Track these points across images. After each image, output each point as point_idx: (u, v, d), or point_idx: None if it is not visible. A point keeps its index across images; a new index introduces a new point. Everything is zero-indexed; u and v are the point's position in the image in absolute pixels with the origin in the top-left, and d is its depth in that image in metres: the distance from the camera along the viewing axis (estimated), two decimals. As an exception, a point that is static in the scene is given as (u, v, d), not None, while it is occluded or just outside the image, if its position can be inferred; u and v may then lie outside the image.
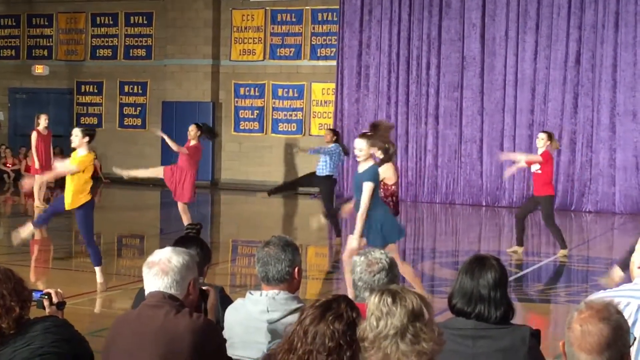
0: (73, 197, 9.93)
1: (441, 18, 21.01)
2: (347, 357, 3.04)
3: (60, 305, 4.27)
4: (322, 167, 14.26)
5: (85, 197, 9.97)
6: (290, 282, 4.35)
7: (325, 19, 22.86)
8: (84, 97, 25.73)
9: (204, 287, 4.18)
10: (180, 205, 13.76)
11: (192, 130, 14.02)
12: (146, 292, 3.89)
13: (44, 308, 4.21)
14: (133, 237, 15.33)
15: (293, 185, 15.97)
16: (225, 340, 3.99)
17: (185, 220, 13.50)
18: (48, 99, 25.53)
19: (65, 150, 25.17)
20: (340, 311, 3.09)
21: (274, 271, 4.32)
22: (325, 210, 14.18)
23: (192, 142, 13.97)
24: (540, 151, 13.10)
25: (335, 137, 14.54)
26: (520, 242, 13.26)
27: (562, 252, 12.98)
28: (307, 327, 3.08)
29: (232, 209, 14.65)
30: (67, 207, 10.03)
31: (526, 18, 20.26)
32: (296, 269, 4.35)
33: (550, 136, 13.23)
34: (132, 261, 13.10)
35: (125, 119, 25.29)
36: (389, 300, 2.93)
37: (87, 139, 10.09)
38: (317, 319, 3.08)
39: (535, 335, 3.98)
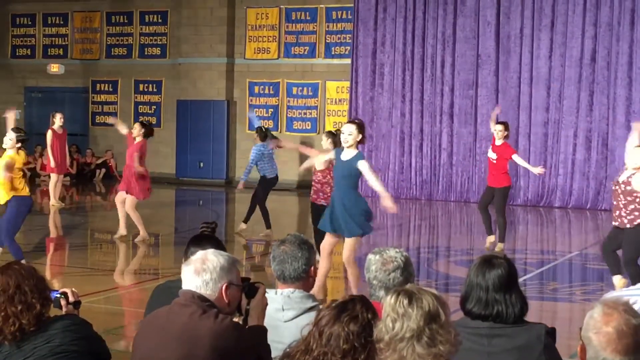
0: (4, 192, 10.39)
1: (456, 16, 20.97)
2: (362, 359, 3.02)
3: (77, 304, 4.29)
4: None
5: (19, 192, 10.45)
6: (306, 280, 4.34)
7: (339, 17, 22.85)
8: (99, 95, 25.81)
9: (255, 284, 4.06)
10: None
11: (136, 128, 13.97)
12: (181, 290, 3.88)
13: (60, 307, 4.23)
14: (148, 235, 15.35)
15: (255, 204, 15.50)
16: (262, 344, 3.88)
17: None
18: (63, 97, 25.62)
19: (81, 149, 25.31)
20: (355, 312, 3.07)
21: (291, 269, 4.31)
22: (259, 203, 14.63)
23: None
24: (499, 142, 13.17)
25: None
26: (490, 232, 13.25)
27: (499, 245, 12.89)
28: (322, 328, 3.07)
29: (246, 208, 14.66)
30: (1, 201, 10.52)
31: (541, 15, 20.19)
32: (312, 268, 4.34)
33: (507, 127, 13.35)
34: (147, 259, 13.14)
35: (141, 117, 25.29)
36: (405, 301, 2.91)
37: (19, 144, 10.56)
38: (333, 320, 3.06)
39: (551, 333, 3.97)
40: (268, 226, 14.47)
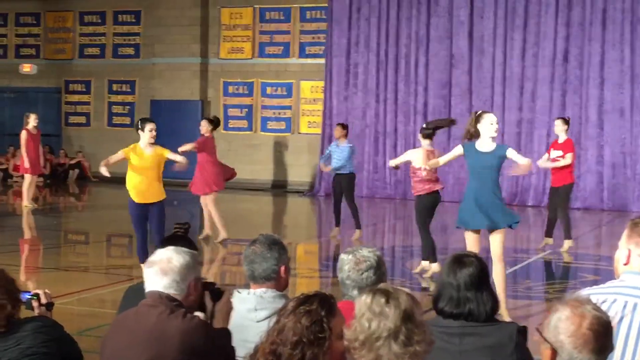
0: None
1: (429, 16, 21.05)
2: (310, 354, 3.03)
3: (49, 305, 4.27)
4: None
5: None
6: (277, 280, 4.36)
7: (313, 17, 22.86)
8: (72, 96, 25.68)
9: (219, 288, 4.09)
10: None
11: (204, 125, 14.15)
12: (146, 291, 3.87)
13: (32, 309, 4.21)
14: (122, 236, 15.29)
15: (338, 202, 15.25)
16: (228, 345, 3.90)
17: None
18: (36, 98, 25.46)
19: (54, 150, 25.17)
20: (311, 307, 3.08)
21: (260, 269, 4.33)
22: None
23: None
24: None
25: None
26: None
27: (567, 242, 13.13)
28: (279, 318, 3.11)
29: (221, 207, 14.64)
30: None
31: (514, 16, 20.31)
32: (283, 268, 4.36)
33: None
34: (121, 260, 13.08)
35: (114, 117, 25.25)
36: (382, 300, 2.91)
37: None
38: (288, 312, 3.09)
39: (523, 332, 3.99)
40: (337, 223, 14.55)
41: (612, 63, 19.50)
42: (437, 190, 11.34)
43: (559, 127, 13.23)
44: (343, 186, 14.24)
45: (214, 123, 14.33)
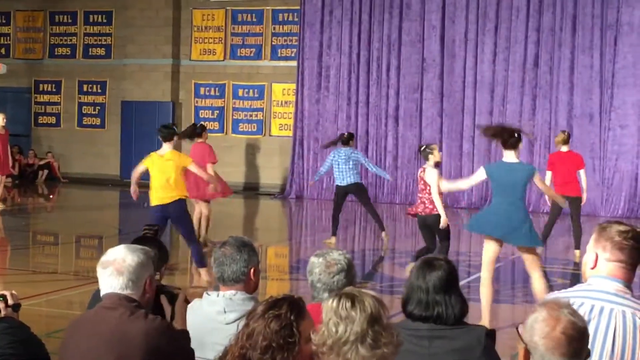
0: None
1: (401, 20, 21.12)
2: (280, 358, 3.03)
3: (16, 307, 4.23)
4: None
5: None
6: (246, 282, 4.36)
7: (285, 19, 22.86)
8: (42, 96, 25.50)
9: (174, 290, 4.08)
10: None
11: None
12: (102, 293, 3.84)
13: None
14: (91, 237, 15.21)
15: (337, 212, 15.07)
16: (188, 345, 3.90)
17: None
18: (5, 97, 25.23)
19: (23, 150, 24.97)
20: (280, 312, 3.08)
21: (229, 271, 4.33)
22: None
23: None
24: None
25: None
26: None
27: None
28: (248, 322, 3.10)
29: (192, 209, 14.59)
30: None
31: (485, 20, 20.42)
32: (252, 270, 4.36)
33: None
34: (91, 262, 13.00)
35: (84, 118, 25.10)
36: (348, 304, 2.91)
37: None
38: (257, 317, 3.09)
39: (491, 335, 4.01)
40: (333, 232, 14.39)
41: (581, 68, 19.66)
42: None
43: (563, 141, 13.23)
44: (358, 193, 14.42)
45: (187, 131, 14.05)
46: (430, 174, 10.47)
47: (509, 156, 8.44)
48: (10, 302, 4.21)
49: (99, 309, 3.80)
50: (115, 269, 3.78)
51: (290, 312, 3.09)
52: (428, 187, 10.53)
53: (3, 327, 3.88)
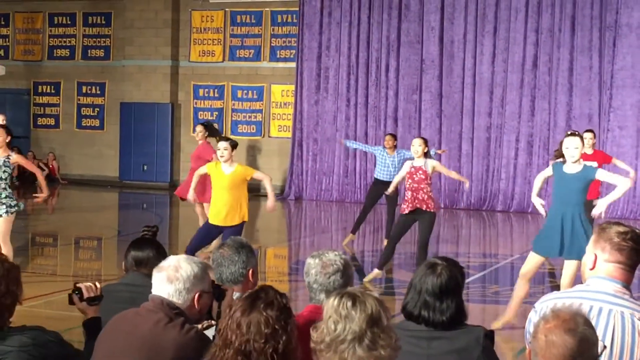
0: None
1: (400, 21, 21.12)
2: (284, 341, 3.06)
3: (92, 300, 4.13)
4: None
5: None
6: (244, 283, 4.37)
7: (284, 20, 22.87)
8: (41, 97, 25.50)
9: (220, 286, 4.05)
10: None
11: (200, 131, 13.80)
12: (151, 294, 3.81)
13: (73, 303, 4.11)
14: (90, 238, 15.20)
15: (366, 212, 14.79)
16: None
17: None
18: (4, 99, 25.24)
19: (22, 152, 24.96)
20: (270, 299, 3.12)
21: (228, 273, 4.34)
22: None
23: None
24: (591, 151, 12.78)
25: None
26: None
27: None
28: (239, 319, 3.09)
29: (190, 211, 14.60)
30: None
31: (484, 21, 20.42)
32: (250, 271, 4.37)
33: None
34: (90, 263, 13.01)
35: (83, 119, 25.10)
36: (349, 304, 2.91)
37: None
38: (248, 310, 3.10)
39: (490, 336, 4.01)
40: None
41: (580, 70, 19.66)
42: None
43: (590, 141, 12.72)
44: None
45: (209, 129, 13.86)
46: (430, 161, 10.59)
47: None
48: (85, 295, 4.12)
49: (141, 309, 3.78)
50: (168, 275, 3.76)
51: (280, 297, 3.16)
52: (429, 178, 10.61)
53: (24, 342, 3.41)
